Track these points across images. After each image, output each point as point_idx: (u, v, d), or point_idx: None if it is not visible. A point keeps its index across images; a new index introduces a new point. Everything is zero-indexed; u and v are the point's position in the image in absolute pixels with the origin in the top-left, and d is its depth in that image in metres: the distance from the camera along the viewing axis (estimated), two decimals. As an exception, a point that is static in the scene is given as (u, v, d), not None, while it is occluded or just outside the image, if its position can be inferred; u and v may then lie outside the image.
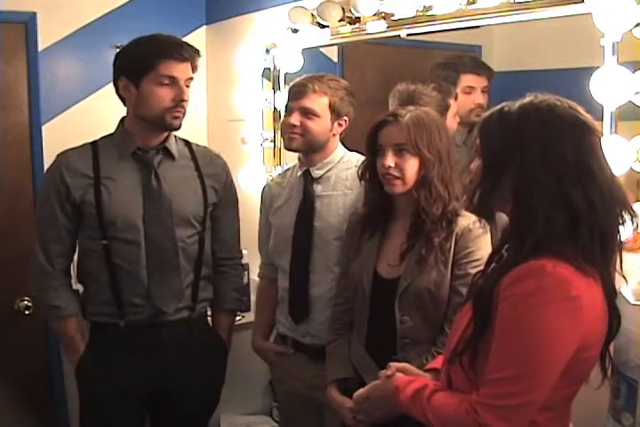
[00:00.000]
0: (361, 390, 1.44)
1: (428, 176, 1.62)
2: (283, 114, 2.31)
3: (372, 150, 1.69)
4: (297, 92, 1.92)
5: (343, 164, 1.97)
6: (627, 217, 1.17)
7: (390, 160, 1.63)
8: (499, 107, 1.22)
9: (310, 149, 1.95)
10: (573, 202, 1.12)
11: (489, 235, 1.57)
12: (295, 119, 1.90)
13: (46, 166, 1.97)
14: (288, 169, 2.13)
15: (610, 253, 1.16)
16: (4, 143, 2.72)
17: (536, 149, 1.14)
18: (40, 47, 2.74)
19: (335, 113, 1.92)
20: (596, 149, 1.16)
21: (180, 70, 1.83)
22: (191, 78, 1.87)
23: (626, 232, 1.20)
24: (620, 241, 1.18)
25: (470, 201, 1.28)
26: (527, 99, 1.19)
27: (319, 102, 1.90)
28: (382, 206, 1.71)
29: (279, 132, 2.59)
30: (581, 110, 1.18)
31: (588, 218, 1.12)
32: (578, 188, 1.12)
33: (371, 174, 1.71)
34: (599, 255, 1.14)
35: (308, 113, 1.90)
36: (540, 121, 1.15)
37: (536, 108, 1.17)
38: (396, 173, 1.63)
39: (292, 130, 1.91)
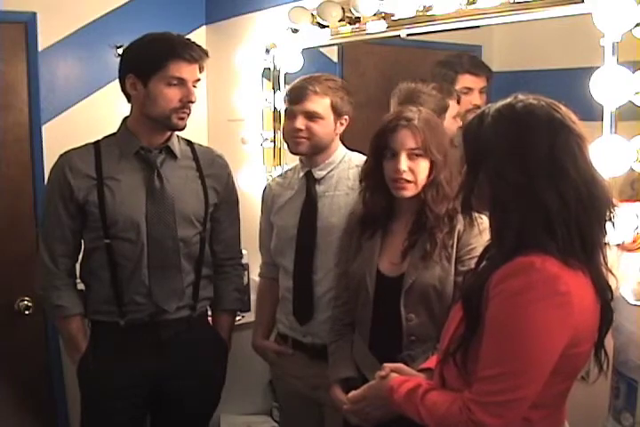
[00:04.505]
0: (356, 391, 1.45)
1: (438, 177, 1.63)
2: (282, 116, 2.30)
3: (380, 154, 1.66)
4: (297, 96, 1.90)
5: (345, 163, 1.97)
6: (611, 215, 1.18)
7: (405, 165, 1.61)
8: (481, 109, 1.23)
9: (315, 152, 1.94)
10: (546, 201, 1.12)
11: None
12: (300, 123, 1.89)
13: (46, 166, 1.98)
14: (289, 169, 2.12)
15: (591, 249, 1.17)
16: (3, 143, 2.72)
17: (508, 150, 1.15)
18: (40, 47, 2.74)
19: (337, 113, 1.91)
20: (572, 148, 1.15)
21: (189, 72, 1.82)
22: (199, 79, 1.86)
23: (621, 232, 1.21)
24: (603, 238, 1.19)
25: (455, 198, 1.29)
26: (506, 100, 1.20)
27: (322, 104, 1.89)
28: (384, 207, 1.71)
29: (280, 135, 2.58)
30: (561, 110, 1.17)
31: (563, 216, 1.13)
32: (551, 186, 1.13)
33: (376, 177, 1.69)
34: (580, 251, 1.15)
35: (312, 116, 1.89)
36: (512, 121, 1.17)
37: (511, 109, 1.18)
38: (409, 178, 1.62)
39: (298, 134, 1.90)
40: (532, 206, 1.13)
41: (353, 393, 1.45)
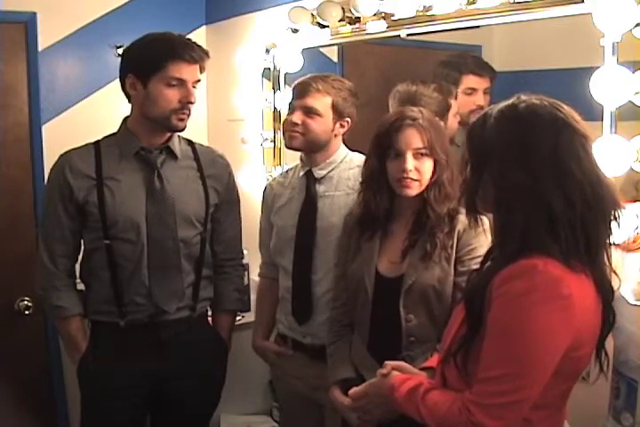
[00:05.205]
0: (357, 388, 1.44)
1: (441, 177, 1.63)
2: (284, 113, 2.32)
3: (383, 154, 1.66)
4: (300, 91, 1.92)
5: (345, 164, 1.97)
6: (617, 216, 1.17)
7: (411, 164, 1.61)
8: (485, 110, 1.23)
9: (310, 149, 1.94)
10: (551, 201, 1.12)
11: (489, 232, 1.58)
12: (297, 117, 1.90)
13: (46, 166, 1.98)
14: (290, 169, 2.12)
15: (595, 250, 1.16)
16: (3, 143, 2.72)
17: (511, 150, 1.15)
18: (40, 47, 2.74)
19: (337, 113, 1.91)
20: (576, 147, 1.15)
21: (189, 72, 1.82)
22: (199, 80, 1.86)
23: (622, 232, 1.20)
24: (609, 239, 1.19)
25: (459, 199, 1.31)
26: (509, 100, 1.20)
27: (322, 102, 1.89)
28: (386, 209, 1.71)
29: (280, 135, 2.59)
30: (564, 109, 1.17)
31: (568, 217, 1.12)
32: (556, 186, 1.12)
33: (379, 178, 1.68)
34: (584, 252, 1.14)
35: (310, 112, 1.89)
36: (515, 121, 1.16)
37: (514, 109, 1.18)
38: (415, 177, 1.62)
39: (294, 128, 1.91)
40: (536, 207, 1.13)
41: (354, 390, 1.45)
